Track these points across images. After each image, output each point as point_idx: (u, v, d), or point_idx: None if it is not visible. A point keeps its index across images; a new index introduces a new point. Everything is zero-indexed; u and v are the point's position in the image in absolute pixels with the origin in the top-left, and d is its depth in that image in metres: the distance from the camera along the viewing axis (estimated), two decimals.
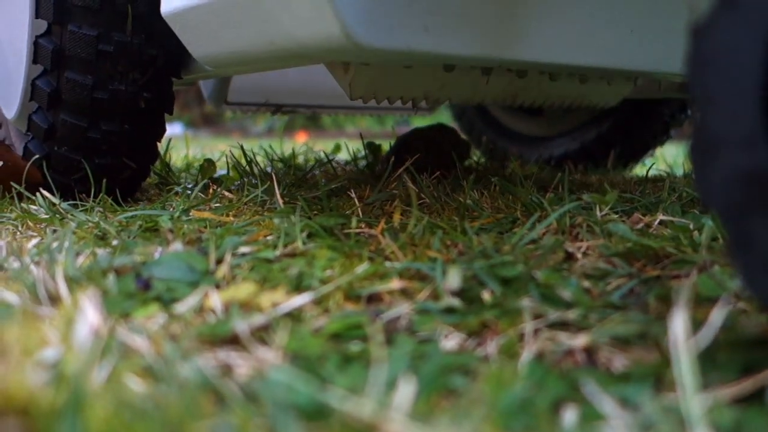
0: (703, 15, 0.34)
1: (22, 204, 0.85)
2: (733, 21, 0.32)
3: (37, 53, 0.88)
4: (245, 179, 1.01)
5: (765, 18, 0.31)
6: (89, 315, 0.37)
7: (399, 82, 0.89)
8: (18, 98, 1.02)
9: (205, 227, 0.71)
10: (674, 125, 1.59)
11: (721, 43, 0.33)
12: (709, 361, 0.36)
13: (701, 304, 0.47)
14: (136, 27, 0.86)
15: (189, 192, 0.94)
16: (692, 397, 0.30)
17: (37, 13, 0.87)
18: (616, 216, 0.72)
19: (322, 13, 0.55)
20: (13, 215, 0.75)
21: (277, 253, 0.61)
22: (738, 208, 0.32)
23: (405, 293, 0.53)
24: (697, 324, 0.42)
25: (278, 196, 0.78)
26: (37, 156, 0.91)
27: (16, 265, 0.56)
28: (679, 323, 0.32)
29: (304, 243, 0.63)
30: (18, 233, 0.70)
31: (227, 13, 0.67)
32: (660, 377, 0.37)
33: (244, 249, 0.61)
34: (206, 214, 0.76)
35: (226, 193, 0.89)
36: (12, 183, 0.88)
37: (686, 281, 0.53)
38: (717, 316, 0.36)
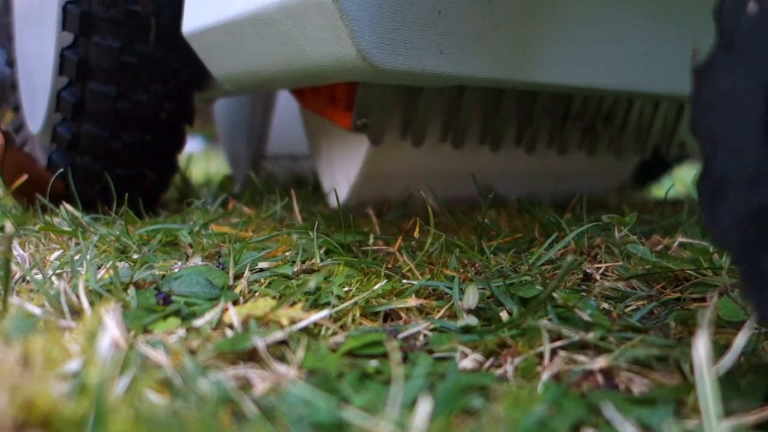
0: (705, 57, 0.34)
1: (46, 216, 0.86)
2: (734, 63, 0.32)
3: (63, 65, 0.90)
4: (264, 195, 1.02)
5: (764, 59, 0.32)
6: (111, 328, 0.37)
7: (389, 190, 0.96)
8: (44, 111, 1.04)
9: (224, 242, 0.72)
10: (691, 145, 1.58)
11: (723, 85, 0.33)
12: (732, 387, 0.36)
13: (722, 327, 0.47)
14: (159, 39, 0.87)
15: (208, 207, 0.95)
16: (715, 423, 0.30)
17: (64, 25, 0.88)
18: (635, 237, 0.72)
19: (338, 36, 0.56)
20: (36, 227, 0.76)
21: (295, 269, 0.61)
22: (749, 245, 0.32)
23: (422, 311, 0.53)
24: (718, 348, 0.41)
25: (297, 212, 0.79)
26: (61, 169, 0.92)
27: (38, 277, 0.57)
28: (702, 347, 0.32)
29: (322, 259, 0.63)
30: (41, 245, 0.71)
31: (245, 34, 0.68)
32: (681, 401, 0.36)
33: (262, 264, 0.62)
34: (225, 229, 0.77)
35: (245, 209, 0.90)
36: (36, 195, 0.89)
37: (707, 304, 0.52)
38: (740, 340, 0.36)
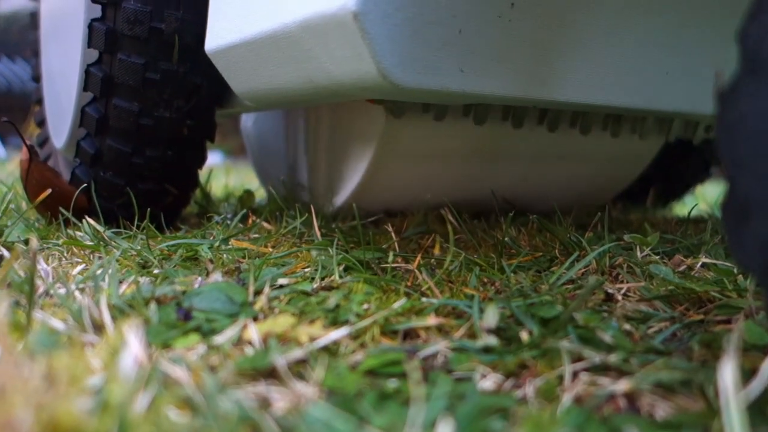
0: (728, 80, 0.34)
1: (68, 230, 0.87)
2: (758, 86, 0.32)
3: (87, 81, 0.91)
4: (284, 210, 1.02)
5: None
6: (133, 345, 0.37)
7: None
8: (68, 126, 1.06)
9: (244, 257, 0.72)
10: (715, 163, 1.56)
11: (748, 108, 0.32)
12: (758, 413, 0.35)
13: (747, 351, 0.46)
14: (182, 56, 0.89)
15: (228, 222, 0.96)
16: None
17: (89, 42, 0.90)
18: (657, 257, 0.71)
19: (360, 54, 0.56)
20: (60, 241, 0.77)
21: (315, 285, 0.61)
22: None
23: (441, 330, 0.52)
24: (744, 372, 0.40)
25: (316, 229, 0.79)
26: (84, 185, 0.94)
27: (61, 291, 0.57)
28: (728, 372, 0.31)
29: (341, 276, 0.63)
30: (64, 259, 0.72)
31: (267, 52, 0.68)
32: (706, 427, 0.36)
33: (282, 281, 0.62)
34: (245, 244, 0.77)
35: (265, 224, 0.90)
36: (60, 209, 0.90)
37: (732, 327, 0.51)
38: (767, 365, 0.35)
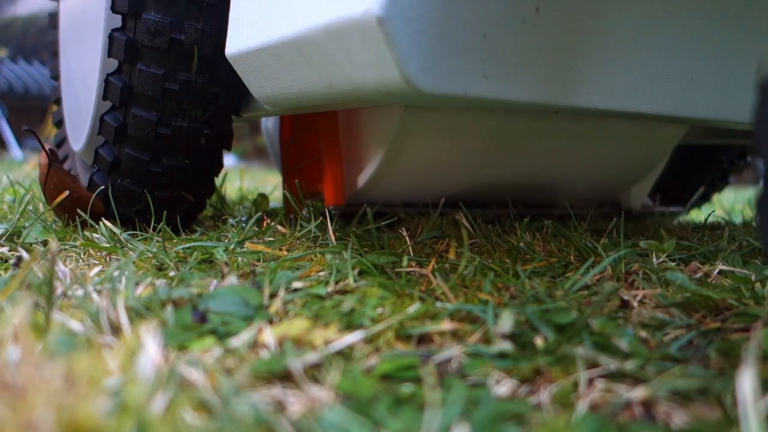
0: None
1: (85, 232, 0.88)
2: None
3: (107, 90, 0.92)
4: (299, 213, 1.03)
5: None
6: (150, 347, 0.38)
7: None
8: (86, 132, 1.07)
9: (259, 260, 0.73)
10: (733, 171, 1.55)
11: None
12: None
13: (766, 360, 0.46)
14: (201, 67, 0.89)
15: (243, 225, 0.96)
16: None
17: (109, 52, 0.91)
18: (673, 264, 0.71)
19: (383, 59, 0.56)
20: (77, 243, 0.77)
21: (329, 289, 0.61)
22: None
23: (456, 335, 0.52)
24: (762, 382, 0.40)
25: (331, 232, 0.79)
26: (101, 188, 0.94)
27: (79, 292, 0.58)
28: (747, 381, 0.31)
29: (355, 280, 0.64)
30: (81, 261, 0.73)
31: (289, 57, 0.69)
32: None
33: (296, 284, 0.62)
34: (260, 247, 0.77)
35: (280, 228, 0.90)
36: (77, 211, 0.91)
37: (750, 335, 0.51)
38: None
